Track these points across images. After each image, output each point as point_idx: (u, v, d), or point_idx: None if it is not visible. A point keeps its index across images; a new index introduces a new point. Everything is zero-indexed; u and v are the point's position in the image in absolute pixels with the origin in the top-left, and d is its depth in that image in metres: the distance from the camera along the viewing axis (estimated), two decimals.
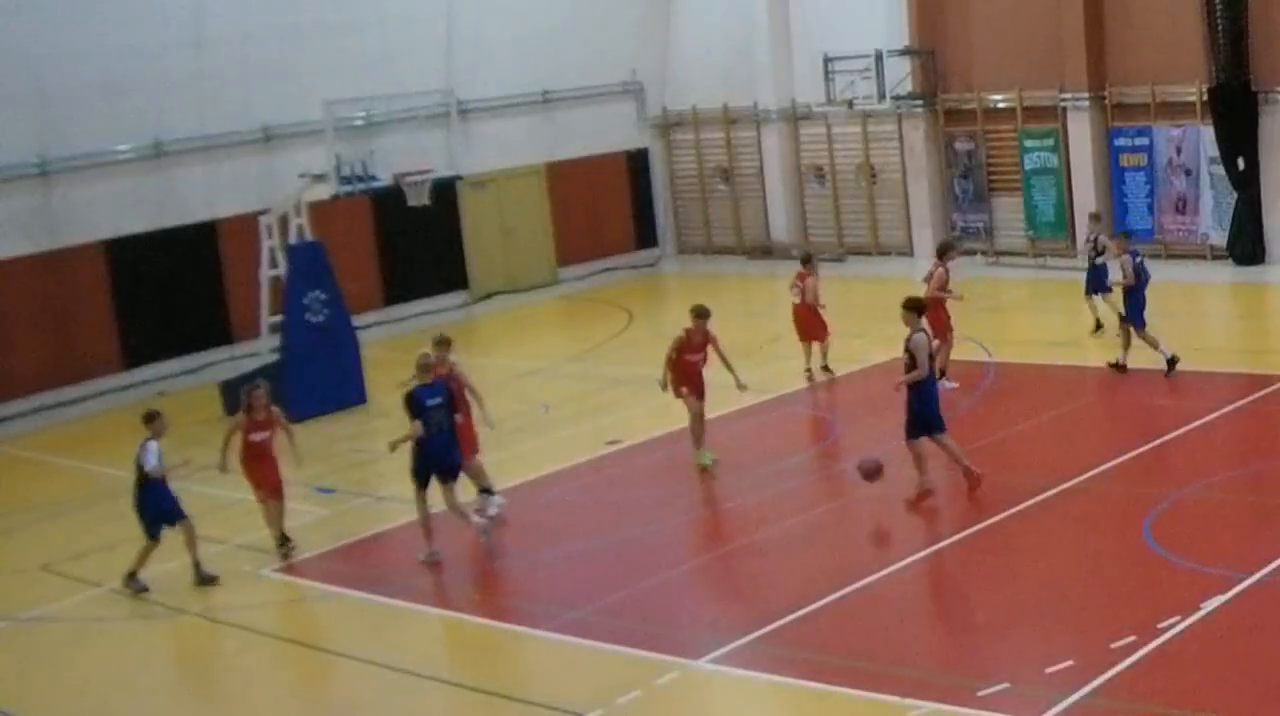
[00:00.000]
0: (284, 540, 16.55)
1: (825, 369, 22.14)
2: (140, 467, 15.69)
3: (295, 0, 27.66)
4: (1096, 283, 23.03)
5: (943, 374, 20.58)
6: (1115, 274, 21.39)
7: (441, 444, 15.74)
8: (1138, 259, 20.80)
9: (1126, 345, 20.77)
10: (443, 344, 17.23)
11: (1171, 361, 20.37)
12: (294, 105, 26.62)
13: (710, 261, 33.71)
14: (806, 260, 22.74)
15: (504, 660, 13.42)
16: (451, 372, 16.90)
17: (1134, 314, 20.64)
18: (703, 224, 34.80)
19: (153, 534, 15.75)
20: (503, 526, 16.80)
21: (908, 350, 16.09)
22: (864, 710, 11.61)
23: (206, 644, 14.48)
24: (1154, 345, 20.49)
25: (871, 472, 16.48)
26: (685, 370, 18.17)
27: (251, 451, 16.52)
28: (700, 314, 18.29)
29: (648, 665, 12.67)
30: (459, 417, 16.37)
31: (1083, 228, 29.10)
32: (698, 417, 18.19)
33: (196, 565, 15.86)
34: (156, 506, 15.72)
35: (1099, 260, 22.95)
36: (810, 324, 22.17)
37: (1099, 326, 23.22)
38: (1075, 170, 29.38)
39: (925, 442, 16.22)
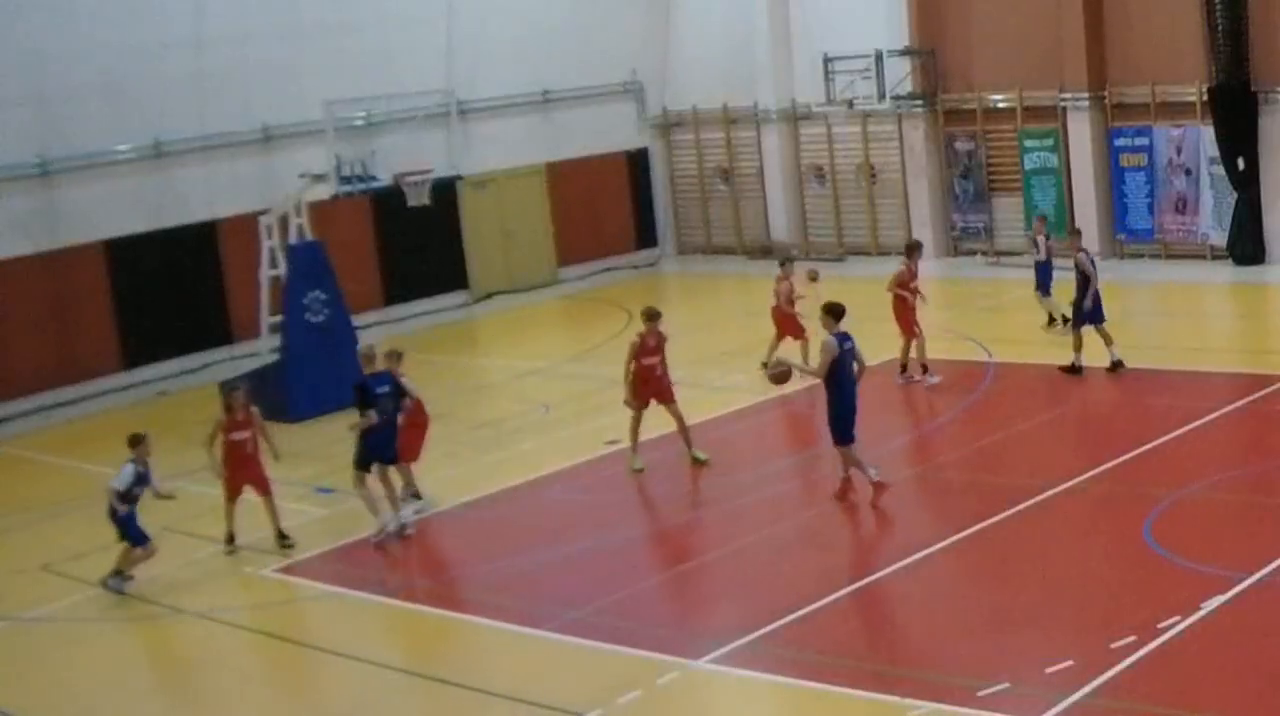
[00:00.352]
0: (282, 537, 16.61)
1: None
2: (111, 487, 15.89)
3: (295, 0, 27.66)
4: (1044, 282, 24.01)
5: (925, 369, 21.09)
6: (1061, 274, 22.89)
7: (388, 433, 16.70)
8: (1089, 257, 21.40)
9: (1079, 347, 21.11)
10: (393, 357, 17.50)
11: (1074, 368, 20.81)
12: (294, 105, 26.63)
13: (710, 261, 33.71)
14: (783, 263, 23.18)
15: (504, 660, 13.42)
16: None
17: (1077, 312, 21.14)
18: (703, 224, 34.80)
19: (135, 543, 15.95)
20: (503, 527, 16.82)
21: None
22: (864, 710, 11.61)
23: (205, 644, 14.47)
24: (1077, 347, 20.93)
25: (781, 377, 17.02)
26: (642, 375, 18.24)
27: (232, 451, 16.81)
28: (651, 316, 18.42)
29: (648, 665, 12.67)
30: (401, 419, 17.08)
31: (1084, 228, 29.15)
32: (635, 422, 18.32)
33: (118, 572, 15.95)
34: (125, 528, 15.93)
35: (1040, 258, 23.97)
36: (783, 325, 22.44)
37: (1052, 321, 23.83)
38: (1075, 170, 29.38)
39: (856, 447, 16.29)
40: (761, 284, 30.69)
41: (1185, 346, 22.15)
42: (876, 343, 23.18)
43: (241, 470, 16.85)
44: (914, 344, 21.33)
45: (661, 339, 18.34)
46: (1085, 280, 20.92)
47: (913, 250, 22.09)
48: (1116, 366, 20.76)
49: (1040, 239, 24.39)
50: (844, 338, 16.26)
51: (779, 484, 17.44)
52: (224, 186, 26.83)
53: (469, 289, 31.24)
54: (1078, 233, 23.09)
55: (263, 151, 27.44)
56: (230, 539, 16.88)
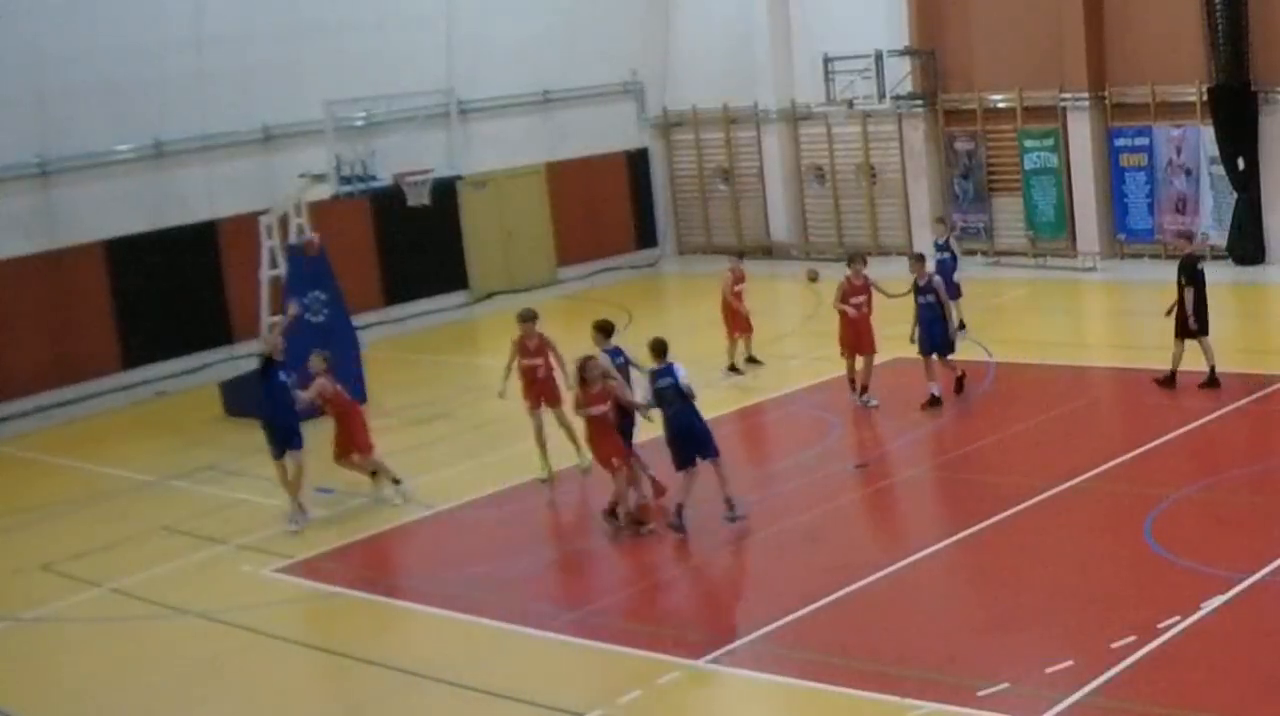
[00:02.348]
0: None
1: (750, 361, 22.96)
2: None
3: (295, 0, 27.66)
4: (949, 285, 23.09)
5: (864, 390, 20.26)
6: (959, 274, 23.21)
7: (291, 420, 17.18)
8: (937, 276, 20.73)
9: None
10: (319, 360, 17.74)
11: (934, 400, 19.80)
12: (294, 105, 26.61)
13: (710, 261, 33.64)
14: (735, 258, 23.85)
15: (504, 660, 13.41)
16: (336, 393, 17.63)
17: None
18: (703, 224, 34.79)
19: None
20: (503, 527, 16.81)
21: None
22: (864, 710, 11.61)
23: (206, 644, 14.46)
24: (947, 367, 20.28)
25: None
26: (526, 377, 18.30)
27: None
28: (526, 318, 18.42)
29: (648, 665, 12.67)
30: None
31: (1084, 228, 29.22)
32: (538, 432, 18.26)
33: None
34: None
35: (939, 256, 23.65)
36: (728, 320, 22.81)
37: (962, 325, 23.41)
38: (1075, 170, 29.37)
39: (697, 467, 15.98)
40: (762, 284, 30.72)
41: (1185, 346, 22.13)
42: (880, 343, 23.26)
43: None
44: (861, 361, 20.29)
45: (543, 342, 18.30)
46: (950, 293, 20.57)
47: (853, 260, 20.74)
48: (934, 402, 19.86)
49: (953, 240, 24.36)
50: (616, 353, 16.69)
51: (779, 484, 17.44)
52: (224, 186, 26.82)
53: (469, 289, 31.23)
54: (919, 258, 20.71)
55: (263, 151, 27.43)
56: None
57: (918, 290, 19.85)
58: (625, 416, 16.30)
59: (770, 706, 12.35)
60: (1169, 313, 19.82)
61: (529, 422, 18.34)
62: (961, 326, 23.25)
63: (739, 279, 23.01)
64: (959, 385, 20.06)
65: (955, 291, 23.24)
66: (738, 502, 15.97)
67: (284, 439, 17.15)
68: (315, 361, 17.84)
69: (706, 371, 21.10)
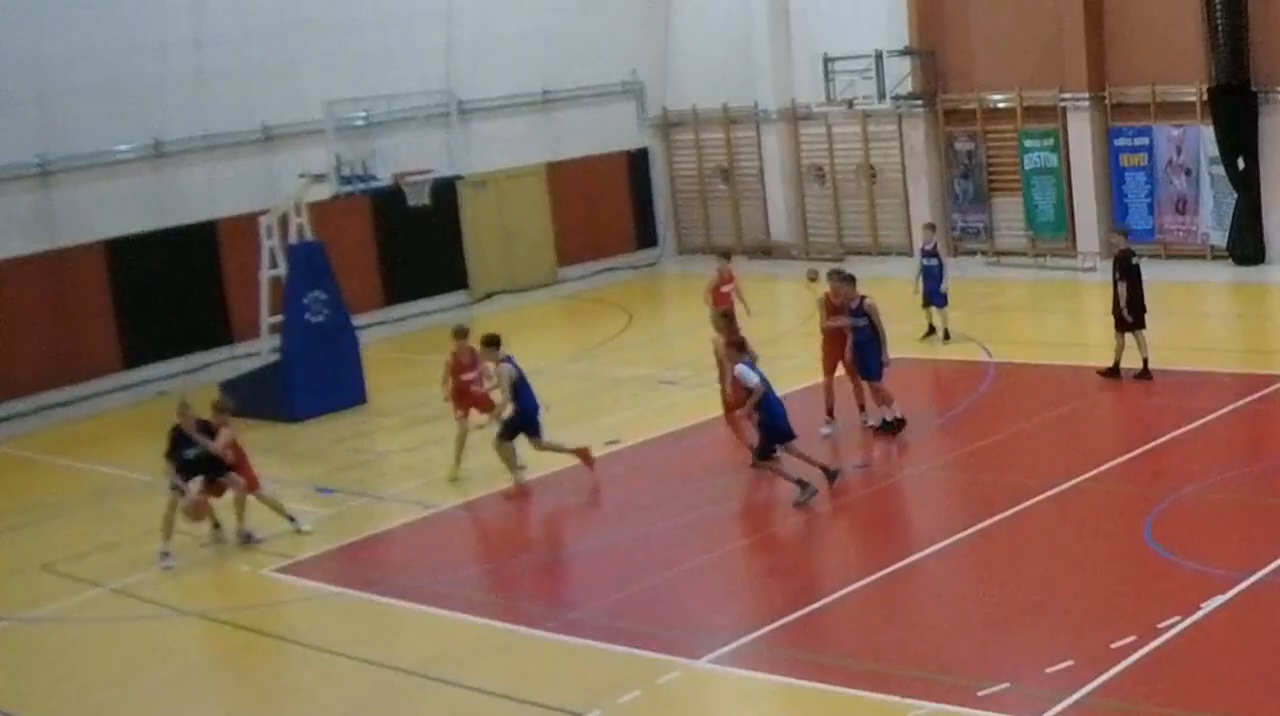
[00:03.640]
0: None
1: None
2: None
3: (295, 0, 27.67)
4: (933, 292, 23.50)
5: (830, 414, 19.13)
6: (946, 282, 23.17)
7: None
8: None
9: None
10: (222, 407, 17.31)
11: (893, 423, 18.80)
12: (294, 105, 26.64)
13: (710, 261, 33.58)
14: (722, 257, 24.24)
15: (504, 660, 13.42)
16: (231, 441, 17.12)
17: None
18: (703, 224, 34.80)
19: None
20: (503, 527, 16.81)
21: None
22: (864, 710, 11.61)
23: (205, 644, 14.47)
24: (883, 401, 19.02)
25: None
26: (460, 389, 18.83)
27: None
28: (459, 334, 19.07)
29: (648, 665, 12.67)
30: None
31: (1084, 228, 29.22)
32: (460, 438, 18.74)
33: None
34: None
35: (926, 263, 23.58)
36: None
37: (932, 331, 23.52)
38: (1075, 170, 29.38)
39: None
40: (762, 284, 30.75)
41: (1185, 346, 22.13)
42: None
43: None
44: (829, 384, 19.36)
45: (474, 354, 18.70)
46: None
47: (832, 277, 19.42)
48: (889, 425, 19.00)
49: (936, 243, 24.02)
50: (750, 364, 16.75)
51: (779, 484, 17.41)
52: (224, 186, 26.84)
53: (469, 289, 31.24)
54: (848, 279, 19.30)
55: (263, 151, 27.46)
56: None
57: (850, 313, 18.80)
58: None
59: (770, 706, 12.35)
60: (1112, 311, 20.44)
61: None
62: (946, 337, 23.32)
63: (725, 279, 23.10)
64: (894, 425, 18.73)
65: (942, 300, 23.41)
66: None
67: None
68: (223, 402, 17.50)
69: (705, 370, 21.10)
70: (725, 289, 23.13)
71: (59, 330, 25.03)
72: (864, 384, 19.08)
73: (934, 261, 23.56)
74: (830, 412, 19.09)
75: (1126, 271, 20.28)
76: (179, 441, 16.78)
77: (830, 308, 19.19)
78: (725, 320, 18.36)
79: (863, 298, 18.84)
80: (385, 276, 29.59)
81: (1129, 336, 20.24)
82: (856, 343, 18.82)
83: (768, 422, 16.55)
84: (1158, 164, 28.56)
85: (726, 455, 18.37)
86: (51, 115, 24.87)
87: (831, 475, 16.77)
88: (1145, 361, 20.08)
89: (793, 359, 22.35)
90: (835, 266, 19.80)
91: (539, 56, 31.94)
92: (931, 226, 24.63)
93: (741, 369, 16.60)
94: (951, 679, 11.83)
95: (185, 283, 26.47)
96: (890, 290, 29.03)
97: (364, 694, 13.00)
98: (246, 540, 16.83)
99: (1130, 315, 20.16)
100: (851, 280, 19.11)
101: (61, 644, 14.78)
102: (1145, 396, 19.83)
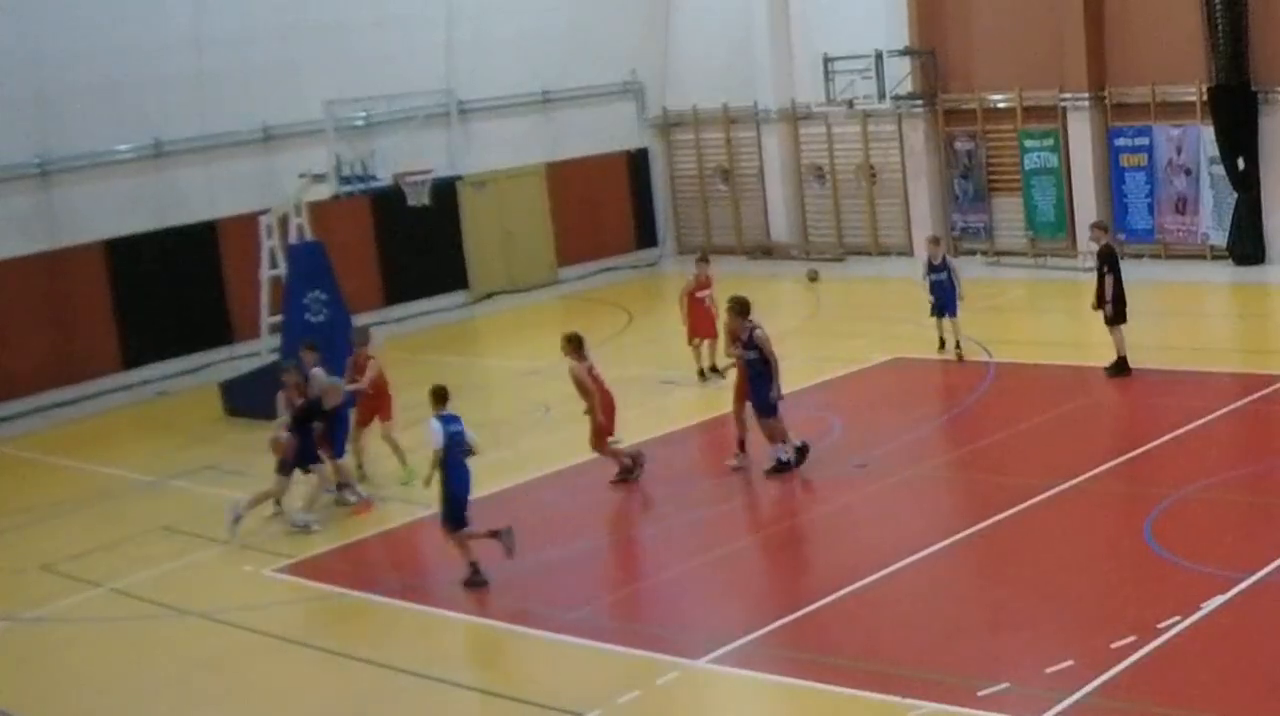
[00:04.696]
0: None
1: (713, 370, 22.28)
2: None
3: (295, 0, 27.67)
4: (946, 304, 22.37)
5: (741, 446, 18.11)
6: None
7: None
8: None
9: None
10: (363, 340, 18.73)
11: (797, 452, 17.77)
12: (294, 105, 26.64)
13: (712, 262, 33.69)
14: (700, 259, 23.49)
15: (504, 660, 13.42)
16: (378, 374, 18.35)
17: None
18: (703, 224, 34.79)
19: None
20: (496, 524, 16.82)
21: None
22: (864, 710, 11.61)
23: (207, 644, 14.47)
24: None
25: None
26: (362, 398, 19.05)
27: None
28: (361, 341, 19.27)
29: (648, 665, 12.67)
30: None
31: (1084, 228, 29.17)
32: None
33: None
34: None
35: (936, 277, 22.35)
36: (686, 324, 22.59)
37: (943, 345, 22.50)
38: (1075, 170, 29.37)
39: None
40: (762, 284, 30.78)
41: (1185, 346, 22.14)
42: (876, 343, 23.33)
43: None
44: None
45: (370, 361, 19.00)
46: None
47: (729, 305, 18.20)
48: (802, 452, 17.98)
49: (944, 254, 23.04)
50: (450, 419, 15.09)
51: (779, 484, 17.43)
52: (224, 186, 26.84)
53: (469, 289, 31.24)
54: (739, 309, 17.92)
55: (263, 151, 27.45)
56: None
57: (742, 345, 17.68)
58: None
59: (770, 706, 12.35)
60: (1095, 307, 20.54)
61: (520, 423, 18.94)
62: (959, 356, 22.19)
63: (701, 285, 22.34)
64: (787, 465, 17.58)
65: (953, 309, 22.31)
66: None
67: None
68: (363, 333, 19.03)
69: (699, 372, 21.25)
70: (700, 294, 22.21)
71: (59, 330, 25.04)
72: (755, 420, 17.61)
73: (943, 275, 22.34)
74: (741, 445, 18.00)
75: (1114, 266, 20.46)
76: (310, 410, 17.40)
77: (731, 335, 18.17)
78: (571, 344, 17.60)
79: (754, 329, 17.51)
80: (385, 276, 29.59)
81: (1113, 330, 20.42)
82: (749, 376, 17.61)
83: (452, 489, 14.95)
84: (1158, 164, 28.56)
85: (726, 456, 18.35)
86: (51, 115, 24.87)
87: (502, 535, 15.12)
88: (1123, 358, 20.37)
89: (793, 359, 22.35)
90: (734, 294, 18.27)
91: (539, 56, 31.93)
92: (936, 239, 23.49)
93: (432, 425, 14.95)
94: (951, 679, 11.83)
95: (185, 283, 26.47)
96: (890, 290, 29.14)
97: (363, 694, 13.00)
98: (304, 527, 17.10)
99: (1112, 309, 20.33)
100: (741, 310, 17.71)
101: (61, 644, 14.77)
102: (1145, 396, 19.83)
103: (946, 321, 22.47)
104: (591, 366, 17.71)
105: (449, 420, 15.00)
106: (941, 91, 31.00)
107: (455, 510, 14.90)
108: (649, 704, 12.06)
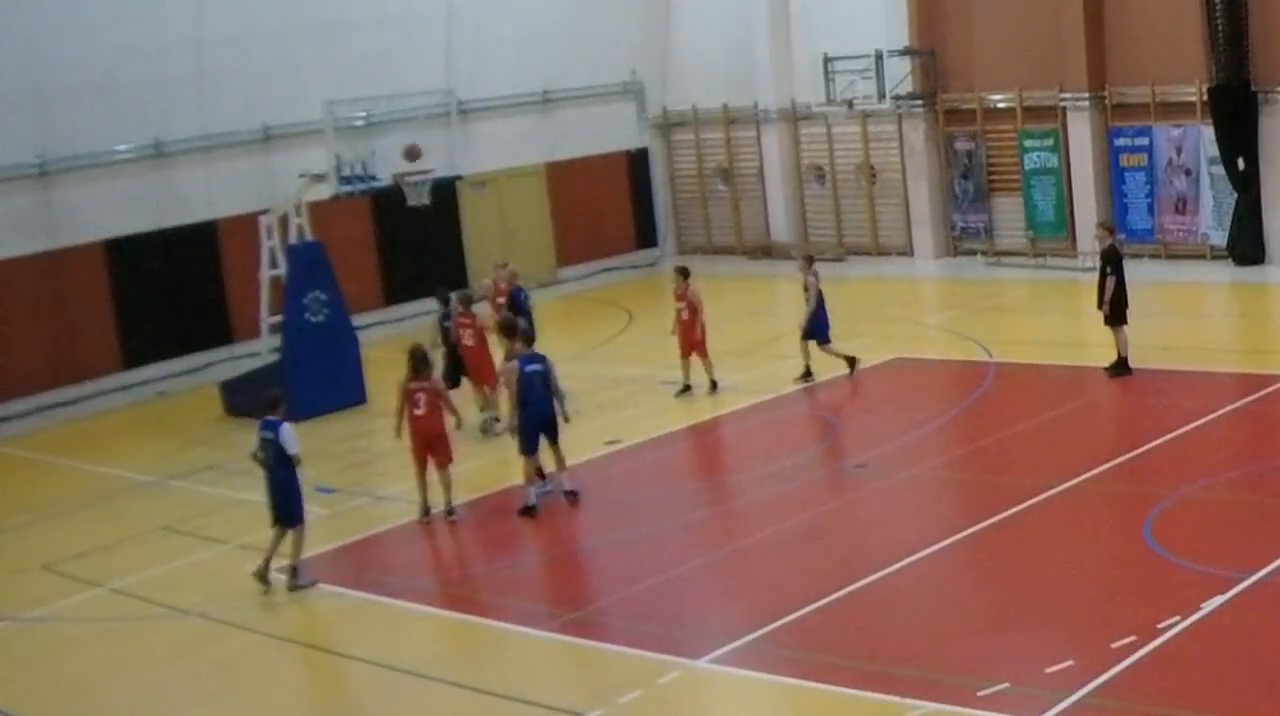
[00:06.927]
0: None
1: (687, 389, 21.69)
2: (279, 452, 15.15)
3: (295, 0, 27.67)
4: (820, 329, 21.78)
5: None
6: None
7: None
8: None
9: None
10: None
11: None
12: (294, 105, 26.62)
13: (710, 261, 33.67)
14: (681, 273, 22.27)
15: (504, 660, 13.42)
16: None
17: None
18: (703, 224, 34.80)
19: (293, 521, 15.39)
20: (503, 527, 16.81)
21: None
22: (864, 710, 11.61)
23: (207, 644, 14.47)
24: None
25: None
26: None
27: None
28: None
29: (648, 665, 12.67)
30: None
31: (1084, 228, 29.19)
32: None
33: (292, 568, 15.43)
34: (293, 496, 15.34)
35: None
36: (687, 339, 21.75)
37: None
38: (1075, 170, 29.37)
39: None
40: (762, 284, 30.82)
41: (1185, 346, 22.14)
42: (877, 343, 23.31)
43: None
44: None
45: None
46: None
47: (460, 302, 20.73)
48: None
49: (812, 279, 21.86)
50: (529, 359, 16.90)
51: (779, 484, 17.43)
52: (224, 186, 26.84)
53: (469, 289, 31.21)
54: (516, 332, 18.16)
55: (263, 151, 27.45)
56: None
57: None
58: None
59: (770, 706, 12.35)
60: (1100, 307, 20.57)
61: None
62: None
63: (677, 297, 21.68)
64: (568, 493, 17.43)
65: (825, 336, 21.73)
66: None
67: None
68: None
69: (697, 372, 21.15)
70: (678, 305, 21.59)
71: (59, 330, 25.03)
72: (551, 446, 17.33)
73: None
74: (541, 473, 17.42)
75: (1118, 266, 20.45)
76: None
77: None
78: (506, 330, 18.02)
79: (543, 357, 17.16)
80: (385, 276, 29.60)
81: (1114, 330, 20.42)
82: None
83: (521, 421, 16.92)
84: (1158, 164, 28.56)
85: (727, 455, 18.36)
86: (51, 115, 24.86)
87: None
88: (1124, 358, 20.38)
89: (790, 359, 22.35)
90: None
91: (539, 56, 31.94)
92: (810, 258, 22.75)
93: (510, 365, 17.15)
94: (951, 679, 11.83)
95: (185, 283, 26.46)
96: (890, 290, 29.17)
97: (364, 694, 13.00)
98: (449, 514, 17.11)
99: (1111, 309, 20.36)
100: (522, 337, 17.71)
101: (61, 644, 14.77)
102: (1145, 396, 19.83)
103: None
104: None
105: (527, 360, 16.94)
106: (941, 91, 31.01)
107: (521, 439, 16.93)
108: (650, 704, 12.06)
